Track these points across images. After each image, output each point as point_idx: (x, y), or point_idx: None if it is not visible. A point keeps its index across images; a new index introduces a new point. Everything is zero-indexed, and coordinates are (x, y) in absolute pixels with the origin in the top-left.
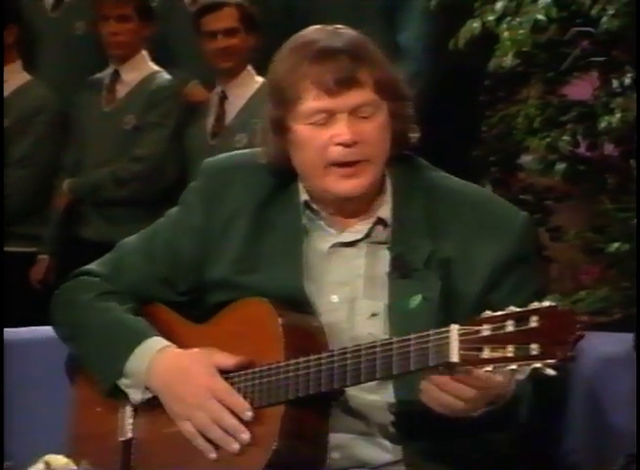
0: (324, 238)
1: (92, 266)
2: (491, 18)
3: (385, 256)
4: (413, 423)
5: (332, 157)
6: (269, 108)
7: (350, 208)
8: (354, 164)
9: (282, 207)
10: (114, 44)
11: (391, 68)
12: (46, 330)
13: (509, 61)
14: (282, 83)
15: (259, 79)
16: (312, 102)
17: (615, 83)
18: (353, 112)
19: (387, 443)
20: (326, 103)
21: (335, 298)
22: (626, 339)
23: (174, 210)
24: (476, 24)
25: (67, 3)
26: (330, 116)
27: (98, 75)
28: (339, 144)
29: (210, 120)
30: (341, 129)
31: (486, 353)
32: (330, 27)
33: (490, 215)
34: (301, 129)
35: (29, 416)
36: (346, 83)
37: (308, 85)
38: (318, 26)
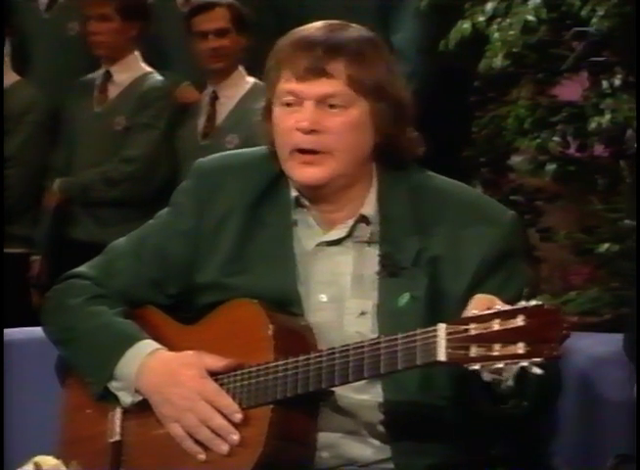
0: (311, 236)
1: (82, 269)
2: (482, 19)
3: (372, 254)
4: (401, 422)
5: (293, 141)
6: (266, 98)
7: (325, 200)
8: (315, 152)
9: (273, 205)
10: (95, 44)
11: (386, 69)
12: (40, 330)
13: (499, 62)
14: (268, 67)
15: (251, 80)
16: (284, 84)
17: (604, 84)
18: (321, 101)
19: (375, 441)
20: (294, 86)
21: (323, 297)
22: (616, 339)
23: (164, 211)
24: (466, 26)
25: (60, 4)
26: (299, 101)
27: (90, 76)
28: (298, 129)
29: (201, 121)
30: (303, 115)
31: (474, 352)
32: (337, 22)
33: (478, 213)
34: (277, 111)
35: (24, 417)
36: (314, 72)
37: (285, 69)
38: (327, 21)
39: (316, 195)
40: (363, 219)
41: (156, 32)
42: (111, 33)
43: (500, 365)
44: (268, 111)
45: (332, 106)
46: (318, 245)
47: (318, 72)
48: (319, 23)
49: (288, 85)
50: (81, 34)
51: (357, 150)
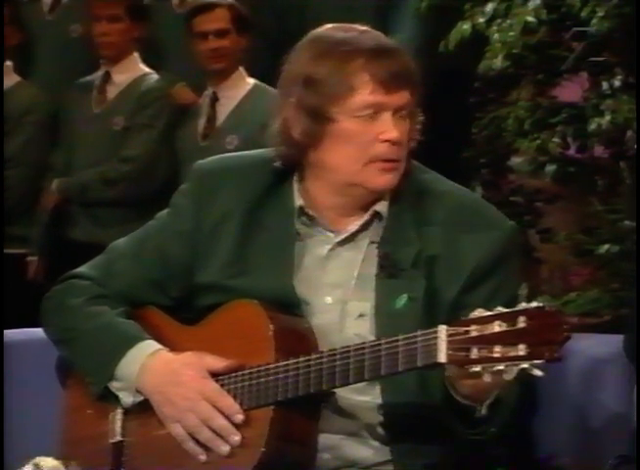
0: (322, 243)
1: (83, 269)
2: (481, 20)
3: (375, 255)
4: (401, 423)
5: (377, 153)
6: (304, 96)
7: (348, 203)
8: (395, 160)
9: (274, 210)
10: (104, 45)
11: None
12: (40, 331)
13: (499, 63)
14: (330, 76)
15: (251, 81)
16: (368, 96)
17: (604, 85)
18: (396, 111)
19: (375, 443)
20: (380, 98)
21: (329, 299)
22: (616, 340)
23: (164, 212)
24: (466, 27)
25: (63, 6)
26: (377, 112)
27: (89, 77)
28: (386, 141)
29: (201, 122)
30: (388, 127)
31: (474, 354)
32: (349, 26)
33: (478, 218)
34: (348, 122)
35: (24, 417)
36: (400, 82)
37: (366, 79)
38: (341, 25)
39: (364, 197)
40: (377, 215)
41: (151, 33)
42: (119, 34)
43: (501, 367)
44: (322, 117)
45: (402, 115)
46: (332, 249)
47: (404, 82)
48: (335, 28)
49: (373, 97)
50: (85, 36)
51: None
